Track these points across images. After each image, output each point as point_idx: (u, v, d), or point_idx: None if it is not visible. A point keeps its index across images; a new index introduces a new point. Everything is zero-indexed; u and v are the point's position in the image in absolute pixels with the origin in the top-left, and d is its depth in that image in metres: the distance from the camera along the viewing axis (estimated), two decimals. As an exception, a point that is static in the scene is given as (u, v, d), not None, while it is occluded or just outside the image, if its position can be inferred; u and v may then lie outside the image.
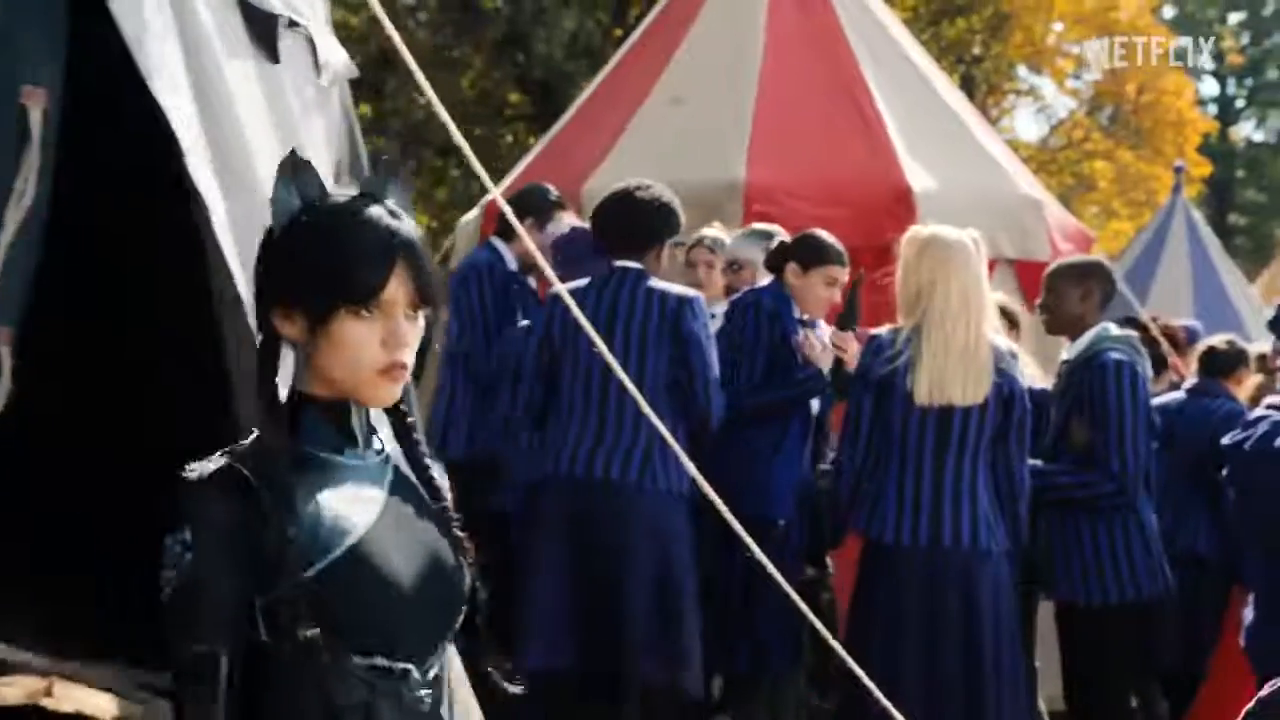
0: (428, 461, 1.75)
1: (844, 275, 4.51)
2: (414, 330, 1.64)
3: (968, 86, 21.07)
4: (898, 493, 3.83)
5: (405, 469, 1.74)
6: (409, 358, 1.64)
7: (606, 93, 6.59)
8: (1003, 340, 3.99)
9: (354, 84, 3.33)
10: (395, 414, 1.73)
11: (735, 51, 6.15)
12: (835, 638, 3.33)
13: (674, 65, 6.24)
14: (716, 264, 4.91)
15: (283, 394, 1.67)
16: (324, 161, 2.88)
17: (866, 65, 6.19)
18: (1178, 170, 13.69)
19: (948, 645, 3.74)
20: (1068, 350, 4.38)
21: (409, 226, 1.64)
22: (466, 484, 4.95)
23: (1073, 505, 4.26)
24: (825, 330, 4.58)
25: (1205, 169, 20.30)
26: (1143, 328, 5.73)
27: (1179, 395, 5.44)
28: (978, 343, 3.80)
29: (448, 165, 16.14)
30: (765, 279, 4.62)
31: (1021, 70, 21.79)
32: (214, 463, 1.60)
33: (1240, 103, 34.48)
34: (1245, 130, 35.11)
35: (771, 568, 3.18)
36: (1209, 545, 5.15)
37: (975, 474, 3.82)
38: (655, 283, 4.15)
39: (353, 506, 1.63)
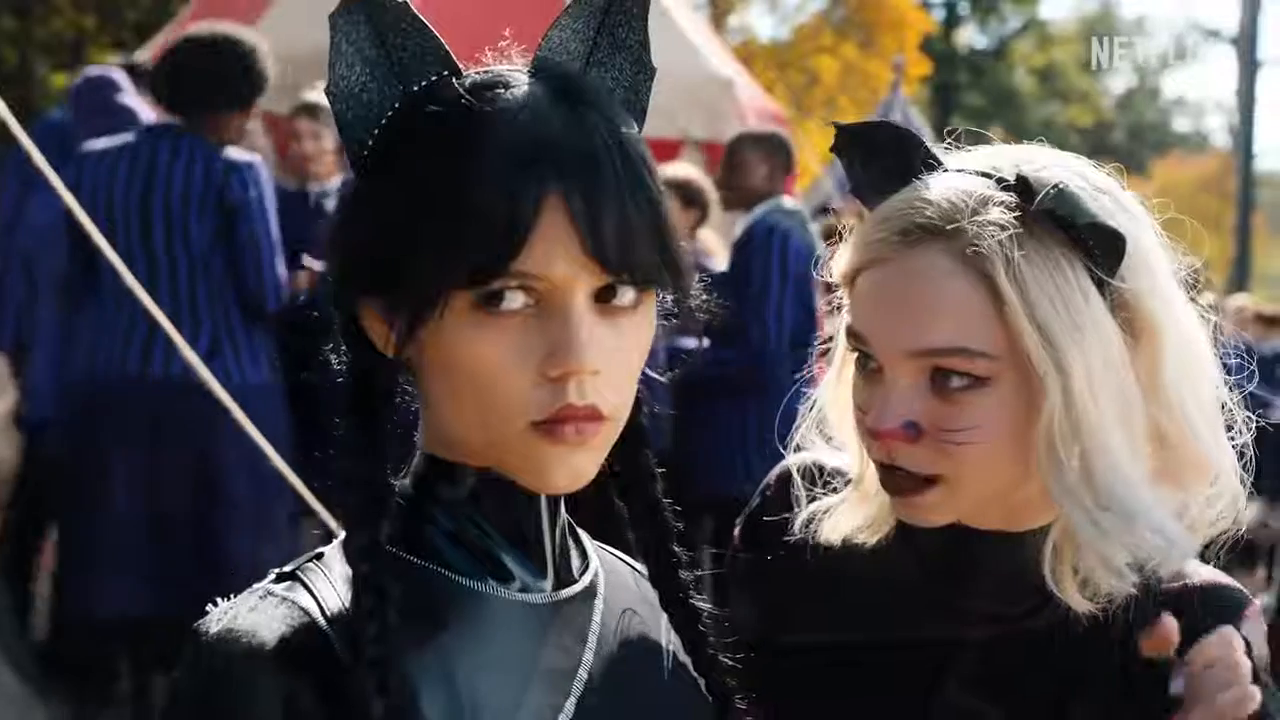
0: (685, 586, 1.00)
1: None
2: (618, 333, 0.87)
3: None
4: None
5: (624, 594, 0.99)
6: (606, 394, 0.86)
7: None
8: None
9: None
10: (639, 494, 0.98)
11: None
12: None
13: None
14: (325, 136, 4.37)
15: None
16: None
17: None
18: (896, 67, 13.68)
19: None
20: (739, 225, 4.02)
21: (592, 129, 0.87)
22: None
23: (710, 386, 3.81)
24: None
25: (924, 68, 20.56)
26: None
27: None
28: None
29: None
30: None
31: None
32: (269, 613, 0.84)
33: (964, 7, 35.32)
34: (969, 35, 36.05)
35: None
36: None
37: None
38: (204, 143, 3.63)
39: (522, 700, 0.89)
